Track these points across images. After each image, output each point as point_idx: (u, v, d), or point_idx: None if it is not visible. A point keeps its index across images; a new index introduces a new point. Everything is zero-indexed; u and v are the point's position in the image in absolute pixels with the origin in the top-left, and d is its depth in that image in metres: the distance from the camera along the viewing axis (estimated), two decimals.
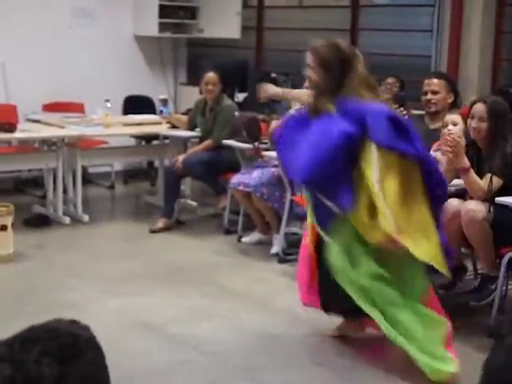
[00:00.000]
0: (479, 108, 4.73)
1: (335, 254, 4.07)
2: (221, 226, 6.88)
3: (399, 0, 8.14)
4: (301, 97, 5.07)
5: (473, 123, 4.75)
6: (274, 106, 7.24)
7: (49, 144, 7.20)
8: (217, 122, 6.96)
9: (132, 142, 8.48)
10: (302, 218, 6.28)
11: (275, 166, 6.24)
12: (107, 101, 7.38)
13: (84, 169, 7.65)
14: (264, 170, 6.32)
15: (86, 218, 7.00)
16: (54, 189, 7.07)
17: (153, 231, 6.77)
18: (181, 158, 6.88)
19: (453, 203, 4.66)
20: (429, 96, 5.45)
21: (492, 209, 4.53)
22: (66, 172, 7.14)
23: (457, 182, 4.78)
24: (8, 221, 5.83)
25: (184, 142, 7.53)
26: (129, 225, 7.12)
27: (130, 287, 5.35)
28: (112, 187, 8.56)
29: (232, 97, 7.49)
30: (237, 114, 6.92)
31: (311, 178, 4.08)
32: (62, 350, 1.28)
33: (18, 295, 5.17)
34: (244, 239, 6.54)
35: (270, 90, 5.28)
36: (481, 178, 4.62)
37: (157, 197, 7.71)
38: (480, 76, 7.09)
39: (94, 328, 4.66)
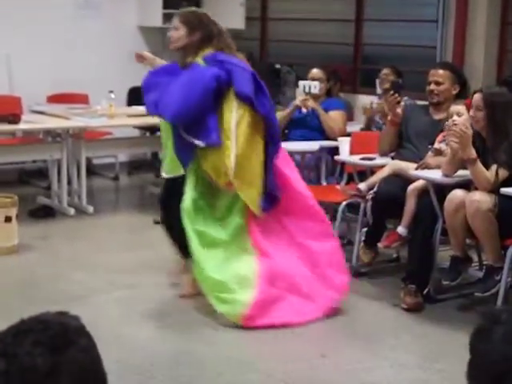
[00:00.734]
0: (476, 97, 4.74)
1: (188, 191, 4.60)
2: None
3: None
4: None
5: (471, 112, 4.76)
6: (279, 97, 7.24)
7: (53, 135, 7.20)
8: None
9: (136, 133, 8.46)
10: None
11: None
12: (111, 92, 7.36)
13: (88, 160, 7.64)
14: None
15: (90, 209, 7.00)
16: (59, 180, 7.07)
17: (157, 222, 6.72)
18: None
19: (458, 194, 4.65)
20: (432, 86, 5.43)
21: (497, 199, 4.52)
22: (71, 163, 7.13)
23: (462, 173, 4.77)
24: (12, 212, 5.83)
25: None
26: (133, 216, 7.12)
27: (134, 278, 5.35)
28: (116, 178, 8.56)
29: None
30: None
31: (181, 114, 4.50)
32: (53, 339, 1.28)
33: (23, 287, 5.17)
34: None
35: (147, 55, 5.41)
36: (486, 169, 4.61)
37: (160, 187, 7.69)
38: (485, 66, 7.06)
39: (99, 319, 4.69)
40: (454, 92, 5.43)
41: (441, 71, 5.45)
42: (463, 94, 5.39)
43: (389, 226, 5.40)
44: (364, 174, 5.72)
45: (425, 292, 4.92)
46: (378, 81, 6.77)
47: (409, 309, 4.83)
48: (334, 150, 6.05)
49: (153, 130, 8.36)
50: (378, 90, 6.73)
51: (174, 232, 4.87)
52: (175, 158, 4.65)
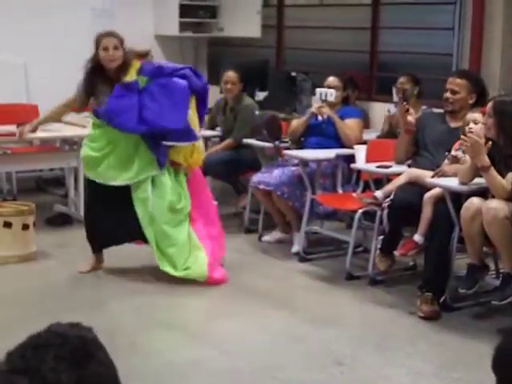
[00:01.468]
0: (489, 105, 4.74)
1: (164, 187, 5.38)
2: (241, 225, 6.89)
3: None
4: None
5: (483, 119, 4.77)
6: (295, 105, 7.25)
7: (70, 143, 7.22)
8: (237, 121, 6.97)
9: None
10: (323, 216, 6.29)
11: (296, 165, 6.24)
12: None
13: None
14: (284, 168, 6.31)
15: None
16: (76, 188, 7.10)
17: None
18: None
19: (474, 202, 4.64)
20: (448, 94, 5.42)
21: None
22: None
23: (479, 181, 4.76)
24: (30, 220, 5.86)
25: (205, 142, 7.53)
26: None
27: (150, 286, 5.37)
28: None
29: (252, 96, 7.49)
30: (257, 113, 6.92)
31: (186, 121, 5.28)
32: (74, 353, 1.28)
33: (40, 294, 5.19)
34: (264, 238, 6.54)
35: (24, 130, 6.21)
36: (503, 177, 4.59)
37: None
38: (502, 74, 7.03)
39: (116, 326, 4.70)
40: (471, 101, 5.39)
41: (458, 80, 5.42)
42: (481, 102, 5.36)
43: (405, 234, 5.39)
44: (380, 181, 5.72)
45: (441, 300, 4.91)
46: (394, 89, 6.77)
47: (425, 317, 4.82)
48: (350, 158, 6.05)
49: None
50: (395, 98, 6.73)
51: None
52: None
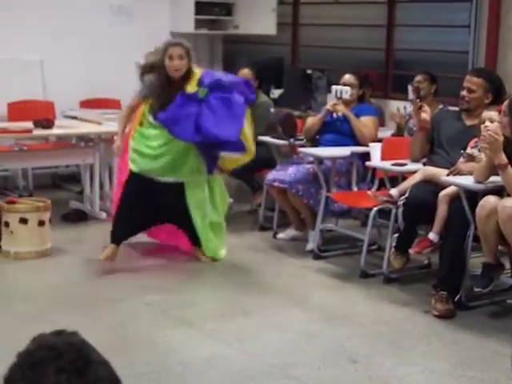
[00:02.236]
0: (504, 103, 4.73)
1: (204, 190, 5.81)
2: (256, 223, 6.90)
3: None
4: None
5: (499, 118, 4.75)
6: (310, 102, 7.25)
7: (86, 140, 7.26)
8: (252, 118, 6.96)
9: None
10: (338, 214, 6.29)
11: (311, 163, 6.24)
12: None
13: None
14: (299, 166, 6.31)
15: (103, 214, 7.03)
16: (91, 185, 7.13)
17: None
18: None
19: (490, 200, 4.63)
20: (464, 93, 5.40)
21: None
22: (103, 168, 7.19)
23: (494, 179, 4.75)
24: (46, 216, 5.89)
25: None
26: None
27: (165, 283, 5.39)
28: None
29: (268, 93, 7.50)
30: (272, 110, 6.92)
31: (238, 134, 5.53)
32: (72, 363, 1.27)
33: (55, 289, 5.21)
34: (279, 236, 6.54)
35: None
36: None
37: None
38: None
39: (131, 322, 4.72)
40: (487, 101, 5.36)
41: (475, 79, 5.39)
42: (497, 101, 5.33)
43: (420, 232, 5.38)
44: (395, 179, 5.72)
45: (456, 299, 4.90)
46: (409, 87, 6.76)
47: (440, 316, 4.81)
48: (366, 156, 6.04)
49: None
50: (410, 96, 6.71)
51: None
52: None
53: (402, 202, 5.26)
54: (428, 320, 4.81)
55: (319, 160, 6.12)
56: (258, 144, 6.84)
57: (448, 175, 5.07)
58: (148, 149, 5.63)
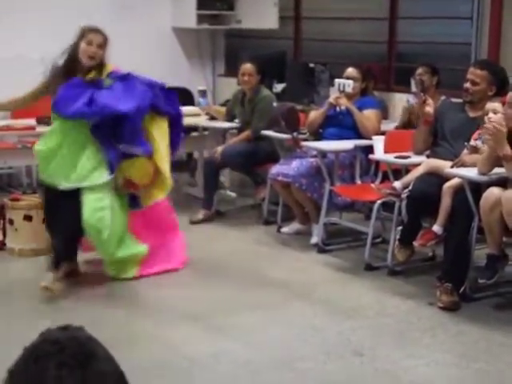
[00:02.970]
0: (508, 94, 4.73)
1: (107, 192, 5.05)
2: (260, 217, 6.91)
3: None
4: None
5: (503, 109, 4.75)
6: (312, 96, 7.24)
7: None
8: (255, 112, 6.97)
9: None
10: (341, 207, 6.29)
11: (314, 157, 6.24)
12: None
13: None
14: (303, 160, 6.31)
15: None
16: None
17: (193, 222, 6.81)
18: (220, 149, 6.91)
19: (494, 192, 4.63)
20: (467, 85, 5.39)
21: None
22: None
23: (498, 171, 4.74)
24: None
25: (223, 133, 7.56)
26: None
27: (171, 278, 5.39)
28: None
29: (270, 87, 7.49)
30: (275, 104, 6.92)
31: (137, 111, 4.94)
32: (74, 357, 1.28)
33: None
34: (283, 229, 6.55)
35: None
36: None
37: (196, 188, 7.75)
38: None
39: (139, 318, 4.71)
40: (490, 93, 5.34)
41: (478, 71, 5.37)
42: (501, 92, 5.32)
43: (424, 225, 5.38)
44: (399, 172, 5.71)
45: (461, 291, 4.90)
46: (412, 79, 6.74)
47: (445, 307, 4.82)
48: (369, 149, 6.04)
49: (187, 130, 8.40)
50: (413, 88, 6.70)
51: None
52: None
53: (405, 195, 5.27)
54: (433, 312, 4.81)
55: (322, 154, 6.12)
56: (261, 138, 6.86)
57: (452, 167, 5.06)
58: (43, 146, 5.08)
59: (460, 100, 5.63)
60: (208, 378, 3.93)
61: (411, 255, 5.37)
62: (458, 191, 4.89)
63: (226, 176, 7.76)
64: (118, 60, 8.54)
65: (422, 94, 5.57)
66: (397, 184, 5.43)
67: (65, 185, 4.96)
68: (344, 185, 6.17)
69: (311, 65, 7.56)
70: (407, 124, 6.70)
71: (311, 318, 4.71)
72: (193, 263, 5.71)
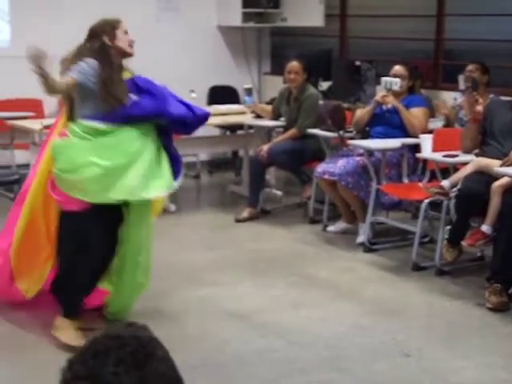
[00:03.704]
0: None
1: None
2: (306, 216, 6.89)
3: None
4: None
5: None
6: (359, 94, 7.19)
7: None
8: (301, 110, 6.95)
9: (217, 131, 8.53)
10: (388, 207, 6.24)
11: (360, 155, 6.20)
12: (192, 91, 7.43)
13: None
14: (349, 158, 6.28)
15: (172, 207, 7.08)
16: None
17: (238, 221, 6.82)
18: (265, 147, 6.90)
19: None
20: None
21: None
22: None
23: None
24: None
25: (268, 132, 7.55)
26: (214, 214, 7.17)
27: (216, 276, 5.40)
28: (197, 177, 8.64)
29: (316, 85, 7.46)
30: (321, 102, 6.89)
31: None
32: (133, 355, 1.29)
33: None
34: (329, 228, 6.52)
35: None
36: None
37: (242, 186, 7.75)
38: None
39: (183, 316, 4.72)
40: None
41: None
42: None
43: (473, 224, 5.32)
44: (447, 171, 5.65)
45: (510, 291, 4.83)
46: (461, 77, 6.66)
47: (494, 308, 4.75)
48: (416, 147, 5.98)
49: (233, 128, 8.43)
50: (461, 86, 6.62)
51: None
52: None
53: (454, 194, 5.21)
54: (481, 313, 4.75)
55: (369, 152, 6.08)
56: (308, 136, 6.84)
57: (501, 166, 4.99)
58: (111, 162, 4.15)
59: (509, 98, 5.54)
60: (253, 375, 3.93)
61: (459, 255, 5.31)
62: (508, 190, 4.82)
63: (271, 174, 7.75)
64: (163, 59, 8.66)
65: (474, 92, 5.48)
66: (445, 183, 5.37)
67: (156, 192, 4.32)
68: (391, 184, 6.12)
69: (357, 62, 7.51)
70: (448, 122, 6.64)
71: (357, 318, 4.68)
72: (238, 261, 5.71)
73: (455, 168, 5.56)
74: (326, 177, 6.25)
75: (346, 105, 6.99)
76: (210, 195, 8.39)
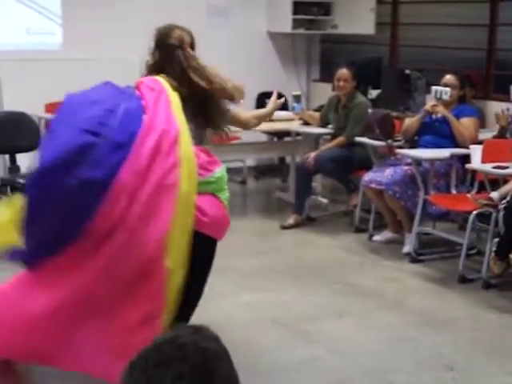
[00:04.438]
0: None
1: None
2: (352, 224, 6.85)
3: None
4: None
5: None
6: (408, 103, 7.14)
7: None
8: (350, 118, 6.92)
9: (264, 138, 8.53)
10: (435, 217, 6.17)
11: (408, 164, 6.14)
12: None
13: None
14: (397, 167, 6.23)
15: None
16: None
17: (284, 227, 6.81)
18: (312, 154, 6.88)
19: None
20: None
21: None
22: None
23: None
24: None
25: (316, 139, 7.53)
26: (260, 220, 7.17)
27: (260, 282, 5.40)
28: (244, 183, 8.65)
29: (365, 93, 7.43)
30: (370, 110, 6.85)
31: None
32: (195, 370, 1.25)
33: None
34: (375, 237, 6.47)
35: None
36: None
37: (288, 193, 7.74)
38: None
39: (227, 322, 4.72)
40: None
41: None
42: None
43: None
44: (496, 182, 5.58)
45: None
46: None
47: None
48: (465, 158, 5.92)
49: (280, 135, 8.42)
50: None
51: None
52: None
53: (503, 206, 5.14)
54: None
55: (417, 162, 6.02)
56: (355, 144, 6.80)
57: None
58: None
59: None
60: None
61: (507, 268, 5.23)
62: None
63: (318, 182, 7.72)
64: (212, 65, 8.66)
65: None
66: (494, 194, 5.30)
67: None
68: (439, 194, 6.06)
69: (407, 71, 7.46)
70: (502, 132, 6.56)
71: (402, 328, 4.64)
72: (282, 268, 5.70)
73: (505, 180, 5.49)
74: (373, 186, 6.21)
75: (395, 113, 6.95)
76: (255, 201, 8.39)
